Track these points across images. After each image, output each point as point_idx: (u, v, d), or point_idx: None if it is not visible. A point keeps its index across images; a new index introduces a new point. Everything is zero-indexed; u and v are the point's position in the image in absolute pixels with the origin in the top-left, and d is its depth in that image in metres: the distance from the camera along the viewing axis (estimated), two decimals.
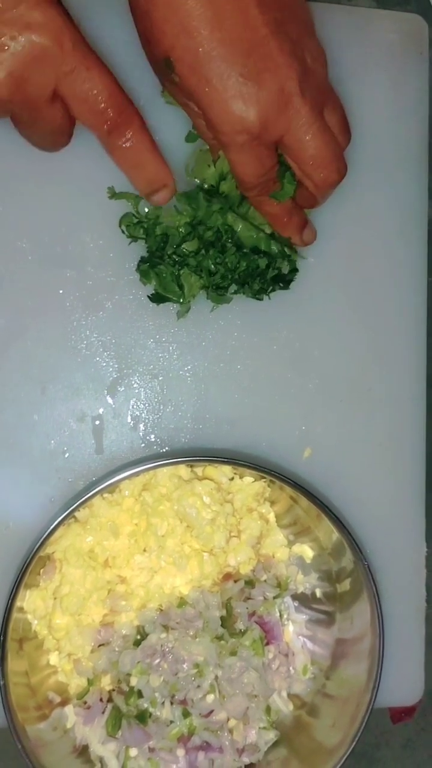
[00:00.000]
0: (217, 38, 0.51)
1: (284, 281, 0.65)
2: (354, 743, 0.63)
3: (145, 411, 0.65)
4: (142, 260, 0.63)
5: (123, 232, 0.63)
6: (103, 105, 0.54)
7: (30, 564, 0.59)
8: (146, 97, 0.63)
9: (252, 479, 0.67)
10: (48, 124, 0.55)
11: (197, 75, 0.52)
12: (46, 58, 0.50)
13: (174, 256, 0.62)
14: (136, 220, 0.62)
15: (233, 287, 0.64)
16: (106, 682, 0.65)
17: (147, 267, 0.63)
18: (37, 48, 0.50)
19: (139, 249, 0.63)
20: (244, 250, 0.62)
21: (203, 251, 0.61)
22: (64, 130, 0.57)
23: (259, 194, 0.59)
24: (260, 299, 0.65)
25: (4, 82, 0.50)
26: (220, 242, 0.61)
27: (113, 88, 0.54)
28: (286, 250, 0.64)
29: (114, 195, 0.62)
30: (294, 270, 0.65)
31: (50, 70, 0.51)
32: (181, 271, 0.62)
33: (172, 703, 0.65)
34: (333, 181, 0.59)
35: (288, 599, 0.70)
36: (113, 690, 0.66)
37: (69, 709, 0.65)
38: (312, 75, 0.56)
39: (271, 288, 0.65)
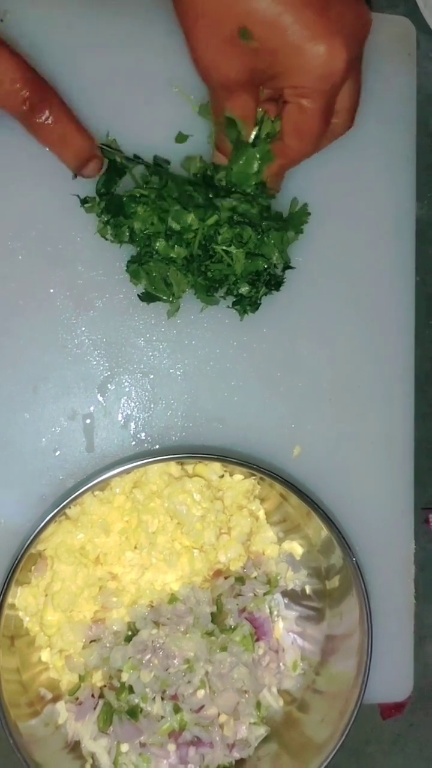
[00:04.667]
0: None
1: (276, 283, 0.66)
2: (343, 738, 0.64)
3: (135, 409, 0.66)
4: (131, 260, 0.63)
5: (108, 239, 0.63)
6: (16, 86, 0.54)
7: (21, 561, 0.59)
8: (134, 104, 0.64)
9: (242, 477, 0.68)
10: None
11: (281, 30, 0.52)
12: None
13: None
14: (104, 222, 0.62)
15: (230, 299, 0.65)
16: (97, 678, 0.66)
17: (136, 266, 0.63)
18: None
19: (129, 248, 0.64)
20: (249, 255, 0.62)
21: (190, 253, 0.62)
22: None
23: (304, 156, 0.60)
24: (256, 308, 0.66)
25: None
26: (207, 248, 0.62)
27: (23, 69, 0.54)
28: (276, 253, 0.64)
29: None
30: (288, 267, 0.66)
31: None
32: (169, 270, 0.62)
33: (162, 699, 0.65)
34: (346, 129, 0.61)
35: (278, 596, 0.71)
36: (104, 686, 0.66)
37: (61, 705, 0.66)
38: None
39: (264, 291, 0.65)
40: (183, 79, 0.64)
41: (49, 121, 0.57)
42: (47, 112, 0.56)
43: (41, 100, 0.56)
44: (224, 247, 0.61)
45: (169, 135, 0.65)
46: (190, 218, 0.60)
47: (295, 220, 0.66)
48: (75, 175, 0.62)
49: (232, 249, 0.61)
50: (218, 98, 0.59)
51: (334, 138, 0.61)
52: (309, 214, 0.66)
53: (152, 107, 0.65)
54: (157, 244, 0.61)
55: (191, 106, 0.64)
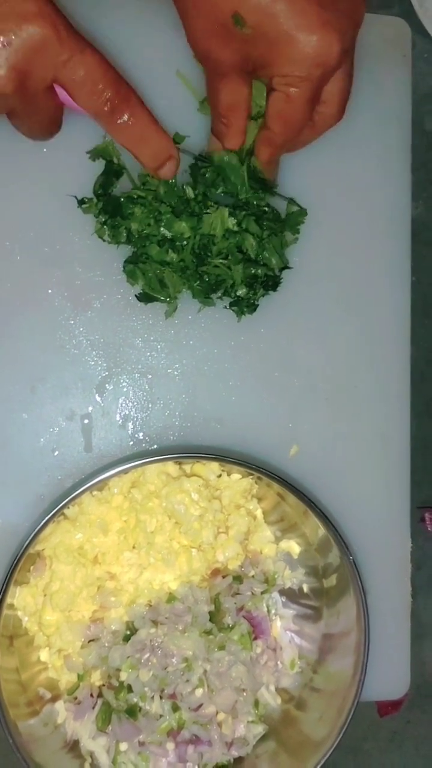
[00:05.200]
0: None
1: (273, 284, 0.66)
2: (341, 736, 0.64)
3: (133, 409, 0.66)
4: (128, 260, 0.64)
5: (105, 240, 0.63)
6: (101, 86, 0.54)
7: (20, 561, 0.60)
8: None
9: (240, 476, 0.68)
10: (44, 114, 0.55)
11: (274, 17, 0.52)
12: (45, 47, 0.50)
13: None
14: (102, 222, 0.62)
15: (226, 300, 0.65)
16: (96, 678, 0.66)
17: (133, 267, 0.63)
18: (37, 39, 0.50)
19: (127, 249, 0.64)
20: (246, 258, 0.63)
21: (182, 260, 0.62)
22: (57, 118, 0.57)
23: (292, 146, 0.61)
24: (254, 309, 0.66)
25: (8, 77, 0.50)
26: (203, 251, 0.62)
27: (108, 69, 0.54)
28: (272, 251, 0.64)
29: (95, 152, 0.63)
30: (285, 268, 0.66)
31: (49, 60, 0.51)
32: (165, 271, 0.63)
33: (161, 698, 0.65)
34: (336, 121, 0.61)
35: (275, 594, 0.71)
36: (103, 685, 0.66)
37: (59, 705, 0.66)
38: None
39: (262, 293, 0.65)
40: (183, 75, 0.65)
41: (130, 122, 0.56)
42: (128, 113, 0.56)
43: (122, 101, 0.55)
44: (220, 260, 0.61)
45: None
46: (182, 226, 0.61)
47: (292, 221, 0.66)
48: (79, 204, 0.62)
49: (230, 262, 0.61)
50: (213, 83, 0.59)
51: (324, 130, 0.62)
52: (306, 214, 0.66)
53: (150, 106, 0.65)
54: (151, 248, 0.62)
55: (192, 94, 0.65)
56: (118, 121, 0.56)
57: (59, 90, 0.54)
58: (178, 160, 0.60)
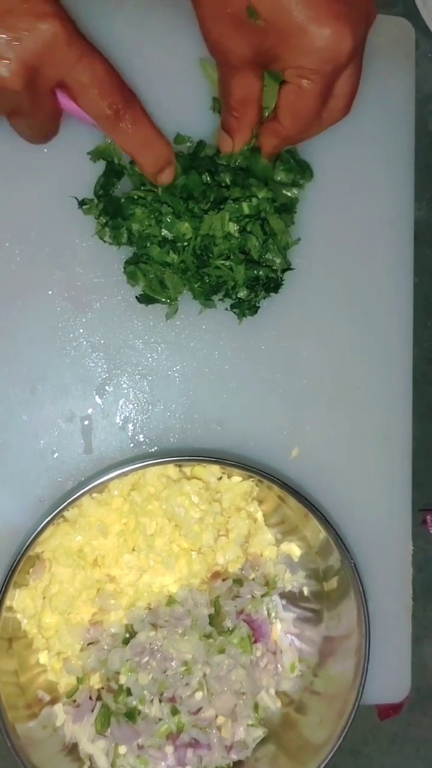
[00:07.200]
0: None
1: (275, 285, 0.65)
2: (341, 739, 0.64)
3: (134, 411, 0.66)
4: (128, 261, 0.63)
5: (106, 241, 0.63)
6: (107, 91, 0.55)
7: (19, 563, 0.59)
8: None
9: (240, 479, 0.68)
10: (47, 115, 0.56)
11: (286, 9, 0.52)
12: (56, 47, 0.51)
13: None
14: (103, 223, 0.62)
15: (227, 302, 0.65)
16: (95, 681, 0.66)
17: (134, 268, 0.63)
18: (49, 37, 0.50)
19: (128, 250, 0.64)
20: (248, 259, 0.63)
21: (183, 261, 0.62)
22: (57, 121, 0.58)
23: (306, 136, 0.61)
24: (255, 311, 0.66)
25: (19, 73, 0.50)
26: (205, 252, 0.62)
27: (113, 75, 0.55)
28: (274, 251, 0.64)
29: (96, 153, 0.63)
30: (287, 269, 0.66)
31: (59, 60, 0.52)
32: (165, 272, 0.62)
33: (160, 701, 0.65)
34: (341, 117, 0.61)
35: (276, 597, 0.71)
36: (102, 688, 0.66)
37: (58, 708, 0.65)
38: None
39: (263, 295, 0.65)
40: (186, 76, 0.65)
41: (132, 127, 0.57)
42: (131, 118, 0.57)
43: (126, 106, 0.56)
44: (221, 262, 0.61)
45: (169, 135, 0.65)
46: (184, 227, 0.60)
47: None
48: (80, 205, 0.62)
49: (231, 262, 0.61)
50: (225, 76, 0.59)
51: (329, 124, 0.61)
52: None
53: (153, 107, 0.64)
54: (152, 249, 0.61)
55: (212, 86, 0.64)
56: (122, 126, 0.57)
57: (60, 95, 0.55)
58: (175, 166, 0.61)
